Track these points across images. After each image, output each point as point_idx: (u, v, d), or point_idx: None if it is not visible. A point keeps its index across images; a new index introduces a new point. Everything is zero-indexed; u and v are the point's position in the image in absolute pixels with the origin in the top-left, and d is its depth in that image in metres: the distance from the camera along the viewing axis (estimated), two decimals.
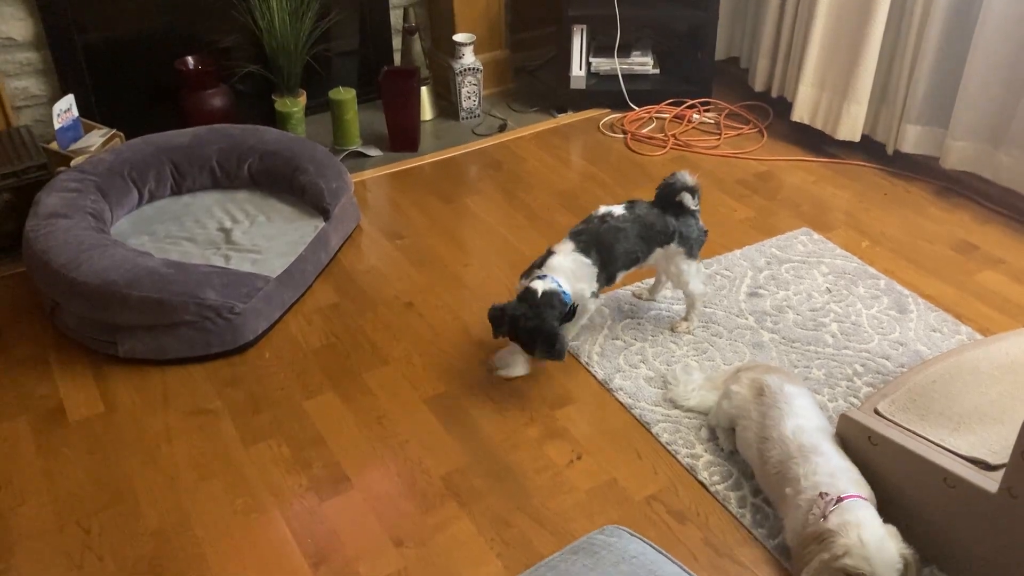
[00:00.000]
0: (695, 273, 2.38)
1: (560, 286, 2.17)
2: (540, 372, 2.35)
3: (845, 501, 1.71)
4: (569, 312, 2.17)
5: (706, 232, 2.38)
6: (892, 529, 1.68)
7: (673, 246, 2.32)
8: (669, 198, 2.31)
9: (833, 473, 1.77)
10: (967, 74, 2.88)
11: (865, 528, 1.65)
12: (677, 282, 2.41)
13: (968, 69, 2.88)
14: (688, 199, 2.30)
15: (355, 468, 2.08)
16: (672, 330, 2.45)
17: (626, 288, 2.61)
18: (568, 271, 2.22)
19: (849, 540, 1.64)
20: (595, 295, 2.30)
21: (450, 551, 1.89)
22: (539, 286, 2.16)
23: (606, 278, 2.31)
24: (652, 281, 2.61)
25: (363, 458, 2.11)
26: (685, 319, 2.47)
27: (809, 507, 1.74)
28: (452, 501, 2.00)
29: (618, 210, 2.31)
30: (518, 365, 2.24)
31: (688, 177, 2.30)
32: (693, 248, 2.34)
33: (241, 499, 2.01)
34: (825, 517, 1.70)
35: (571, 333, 2.35)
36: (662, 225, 2.30)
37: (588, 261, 2.25)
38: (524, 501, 2.00)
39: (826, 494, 1.73)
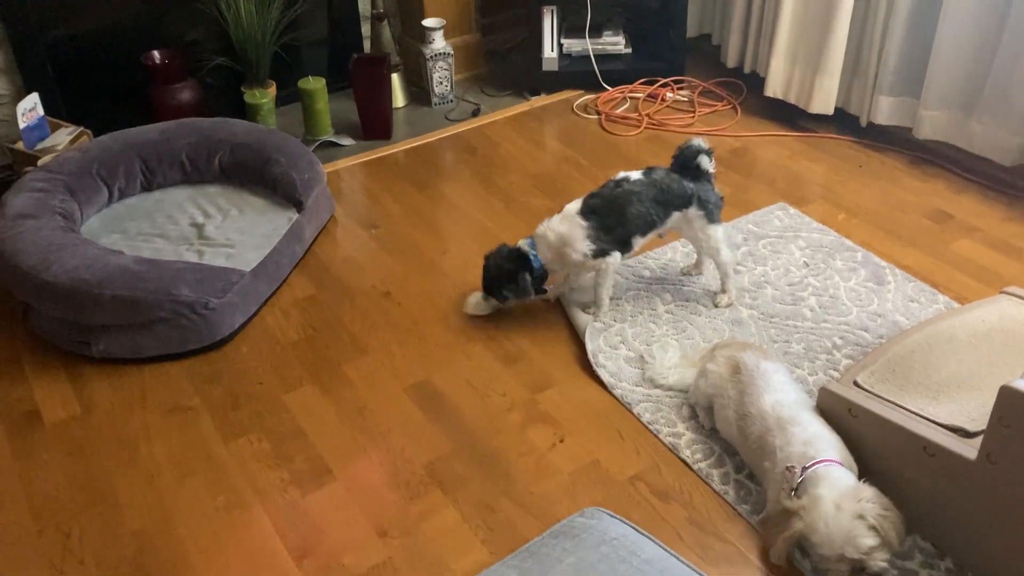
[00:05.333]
0: (722, 238, 2.40)
1: (532, 250, 2.37)
2: (520, 356, 2.34)
3: (812, 469, 1.72)
4: (533, 276, 2.37)
5: (722, 197, 2.41)
6: (864, 491, 1.68)
7: (692, 210, 2.34)
8: (687, 163, 2.34)
9: (808, 441, 1.78)
10: (938, 44, 2.89)
11: (818, 507, 1.65)
12: (706, 249, 2.43)
13: (938, 39, 2.88)
14: (705, 161, 2.33)
15: (337, 460, 2.07)
16: (715, 305, 2.46)
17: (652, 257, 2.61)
18: (556, 236, 2.33)
19: (803, 522, 1.66)
20: (601, 253, 2.33)
21: (435, 539, 1.88)
22: (519, 244, 2.39)
23: (614, 241, 2.34)
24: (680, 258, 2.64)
25: (345, 450, 2.10)
26: (723, 291, 2.47)
27: (782, 480, 1.75)
28: (436, 489, 1.99)
29: (635, 175, 2.35)
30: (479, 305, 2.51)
31: (703, 142, 2.34)
32: (713, 212, 2.36)
33: (223, 496, 1.99)
34: (794, 490, 1.71)
35: (602, 297, 2.42)
36: (679, 189, 2.33)
37: (584, 223, 2.31)
38: (508, 486, 1.99)
39: (792, 467, 1.74)
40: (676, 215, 2.35)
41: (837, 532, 1.63)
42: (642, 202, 2.31)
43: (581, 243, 2.32)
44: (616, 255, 2.37)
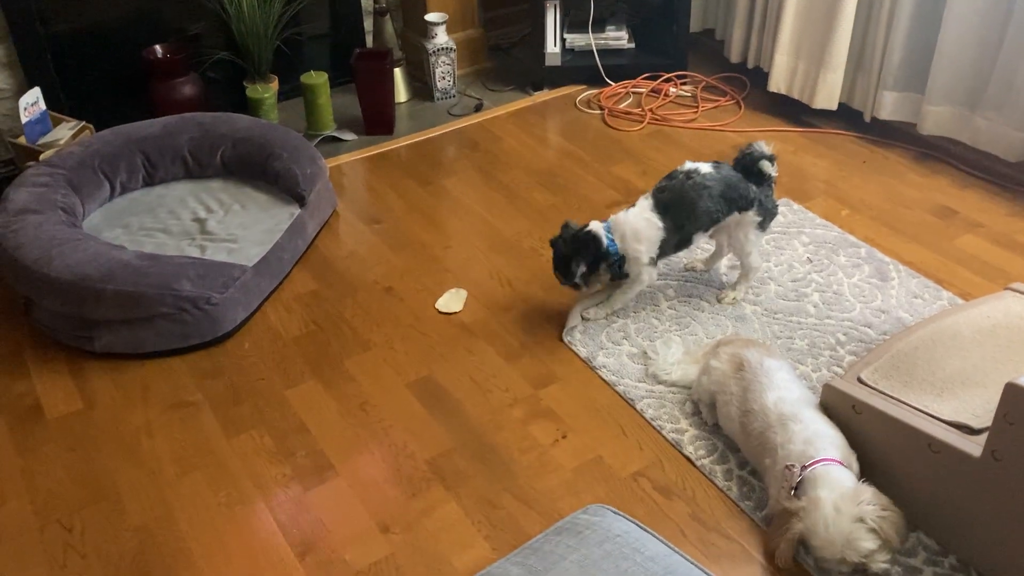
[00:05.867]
0: (760, 245, 2.40)
1: (607, 234, 2.28)
2: (523, 352, 2.34)
3: (811, 469, 1.71)
4: (611, 260, 2.28)
5: (778, 207, 2.39)
6: (864, 492, 1.67)
7: (751, 214, 2.32)
8: (750, 166, 2.31)
9: (808, 440, 1.77)
10: (942, 39, 2.87)
11: (817, 510, 1.65)
12: (739, 251, 2.41)
13: (943, 34, 2.87)
14: (768, 166, 2.30)
15: (339, 455, 2.07)
16: (719, 300, 2.45)
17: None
18: (632, 230, 2.27)
19: (803, 524, 1.67)
20: (653, 262, 2.31)
21: (437, 535, 1.88)
22: (591, 226, 2.29)
23: (679, 241, 2.32)
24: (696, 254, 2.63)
25: (347, 445, 2.09)
26: (733, 289, 2.46)
27: (782, 479, 1.75)
28: (438, 485, 1.99)
29: (704, 167, 2.31)
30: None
31: (765, 146, 2.32)
32: (767, 220, 2.35)
33: (225, 491, 1.99)
34: (794, 489, 1.71)
35: (620, 303, 2.40)
36: (744, 189, 2.30)
37: (660, 224, 2.27)
38: (510, 482, 1.99)
39: (792, 466, 1.74)
40: (735, 216, 2.32)
41: (837, 536, 1.63)
42: (712, 197, 2.28)
43: (654, 246, 2.29)
44: (655, 274, 2.36)
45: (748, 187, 2.31)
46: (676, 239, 2.31)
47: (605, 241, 2.27)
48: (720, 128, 3.31)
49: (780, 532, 1.71)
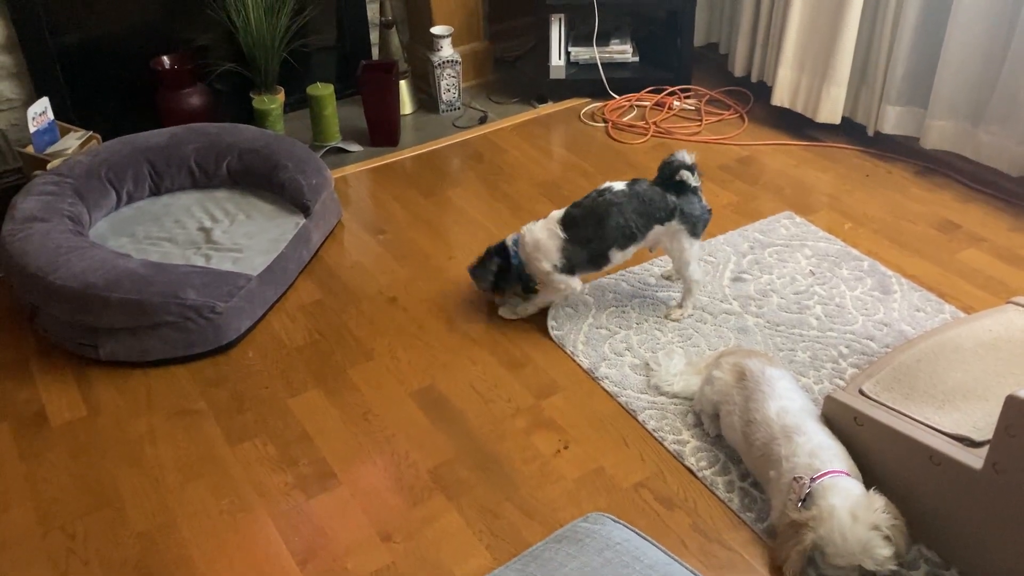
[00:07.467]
0: (696, 255, 2.39)
1: (514, 246, 2.39)
2: (526, 362, 2.34)
3: (819, 481, 1.71)
4: (512, 271, 2.39)
5: (710, 211, 2.39)
6: (877, 501, 1.68)
7: (674, 223, 2.33)
8: (669, 177, 2.32)
9: (813, 452, 1.77)
10: (945, 53, 2.89)
11: (833, 518, 1.65)
12: (678, 263, 2.41)
13: (946, 48, 2.88)
14: (688, 176, 2.31)
15: (341, 464, 2.07)
16: (666, 317, 2.45)
17: (659, 264, 2.61)
18: (532, 240, 2.35)
19: (816, 534, 1.66)
20: (559, 269, 2.34)
21: (439, 544, 1.88)
22: (506, 239, 2.43)
23: (590, 256, 2.34)
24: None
25: (349, 454, 2.10)
26: (680, 306, 2.46)
27: (789, 491, 1.75)
28: (440, 494, 1.99)
29: (618, 186, 2.34)
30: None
31: (687, 156, 2.32)
32: (696, 226, 2.35)
33: (227, 499, 2.00)
34: (802, 501, 1.71)
35: (532, 307, 2.47)
36: (662, 202, 2.31)
37: (561, 235, 2.32)
38: (512, 492, 1.99)
39: (800, 478, 1.74)
40: (659, 228, 2.34)
41: (855, 543, 1.63)
42: (623, 214, 2.30)
43: (554, 255, 2.33)
44: (577, 283, 2.38)
45: (665, 199, 2.31)
46: (585, 253, 2.33)
47: (511, 252, 2.38)
48: (723, 142, 3.32)
49: (790, 544, 1.71)
